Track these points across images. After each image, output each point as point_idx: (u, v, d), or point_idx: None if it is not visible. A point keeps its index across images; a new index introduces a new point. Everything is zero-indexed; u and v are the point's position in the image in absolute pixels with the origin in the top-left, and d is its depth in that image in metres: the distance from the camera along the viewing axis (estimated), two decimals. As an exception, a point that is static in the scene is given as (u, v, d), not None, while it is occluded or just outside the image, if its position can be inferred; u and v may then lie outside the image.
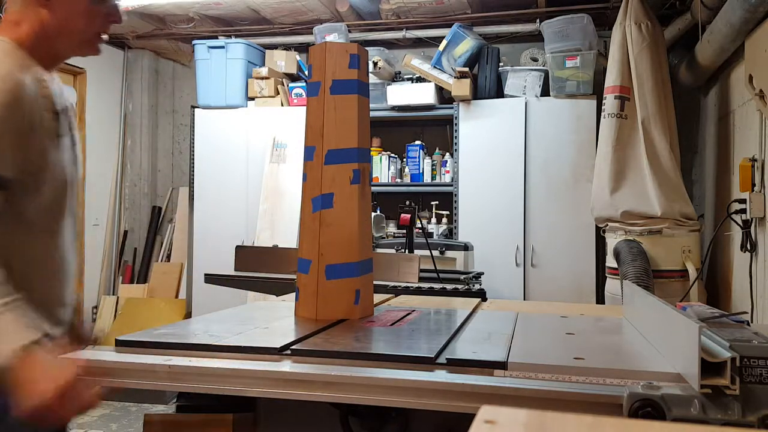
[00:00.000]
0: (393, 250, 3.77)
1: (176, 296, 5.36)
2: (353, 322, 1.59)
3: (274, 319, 1.62)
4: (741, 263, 3.28)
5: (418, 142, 4.96)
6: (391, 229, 4.78)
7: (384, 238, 4.39)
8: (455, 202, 4.66)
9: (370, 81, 4.03)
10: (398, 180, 4.98)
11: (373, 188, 2.92)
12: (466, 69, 4.50)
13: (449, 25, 4.63)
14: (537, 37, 4.66)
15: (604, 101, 3.76)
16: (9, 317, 1.20)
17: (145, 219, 5.85)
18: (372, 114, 2.09)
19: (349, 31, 4.89)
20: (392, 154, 5.00)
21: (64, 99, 1.48)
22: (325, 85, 1.66)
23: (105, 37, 1.51)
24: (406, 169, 4.95)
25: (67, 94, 1.51)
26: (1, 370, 1.15)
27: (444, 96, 4.78)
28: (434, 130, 5.14)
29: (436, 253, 3.75)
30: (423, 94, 4.68)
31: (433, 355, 1.21)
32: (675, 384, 1.04)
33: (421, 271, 2.66)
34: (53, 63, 1.48)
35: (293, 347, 1.28)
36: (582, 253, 4.37)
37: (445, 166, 4.85)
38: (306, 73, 4.88)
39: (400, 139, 5.10)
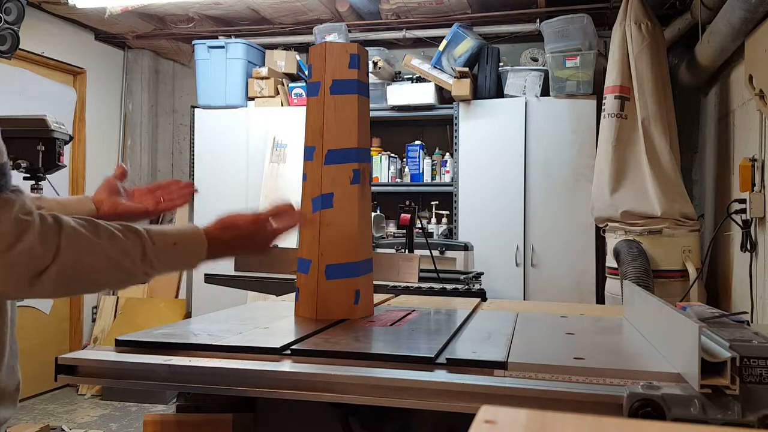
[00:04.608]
0: (393, 250, 3.77)
1: (176, 296, 5.36)
2: (353, 322, 1.59)
3: (274, 319, 1.62)
4: (741, 263, 3.28)
5: (418, 142, 4.96)
6: (391, 229, 4.78)
7: (384, 238, 4.39)
8: (455, 202, 4.66)
9: (370, 81, 4.03)
10: (398, 180, 4.98)
11: (373, 188, 2.91)
12: (466, 69, 4.50)
13: (449, 25, 4.63)
14: (537, 37, 4.66)
15: (604, 101, 3.75)
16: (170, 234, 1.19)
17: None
18: (372, 114, 2.09)
19: (349, 31, 4.89)
20: (392, 154, 4.99)
21: None
22: (325, 85, 1.65)
23: None
24: (406, 169, 4.95)
25: None
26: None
27: (444, 96, 4.78)
28: (434, 130, 5.13)
29: (436, 253, 3.75)
30: (423, 94, 4.68)
31: (433, 355, 1.21)
32: (675, 384, 1.04)
33: (421, 271, 2.66)
34: None
35: (293, 347, 1.28)
36: (582, 253, 4.37)
37: (445, 166, 4.84)
38: (306, 73, 4.88)
39: (400, 139, 5.09)
